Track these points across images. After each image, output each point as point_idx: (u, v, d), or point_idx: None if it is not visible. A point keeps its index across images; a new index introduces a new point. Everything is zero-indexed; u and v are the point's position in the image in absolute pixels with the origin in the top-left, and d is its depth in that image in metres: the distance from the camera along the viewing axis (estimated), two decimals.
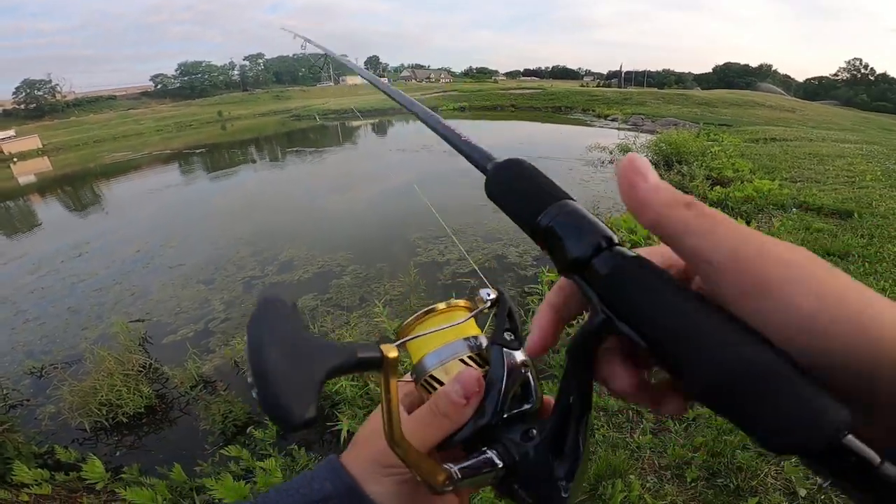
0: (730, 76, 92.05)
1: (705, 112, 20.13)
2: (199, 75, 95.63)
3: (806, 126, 15.58)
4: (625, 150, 10.62)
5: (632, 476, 2.06)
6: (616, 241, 0.26)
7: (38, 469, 2.54)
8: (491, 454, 0.31)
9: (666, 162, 8.59)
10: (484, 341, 0.37)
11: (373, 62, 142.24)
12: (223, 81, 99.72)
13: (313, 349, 0.24)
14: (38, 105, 74.18)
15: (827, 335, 0.19)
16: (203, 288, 5.44)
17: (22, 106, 74.27)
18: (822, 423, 0.18)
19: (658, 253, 0.28)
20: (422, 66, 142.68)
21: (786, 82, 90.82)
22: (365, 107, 35.64)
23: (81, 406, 3.27)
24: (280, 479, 2.30)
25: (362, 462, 0.34)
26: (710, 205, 5.13)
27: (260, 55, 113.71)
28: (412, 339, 0.36)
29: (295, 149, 18.97)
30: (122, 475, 2.58)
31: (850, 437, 0.18)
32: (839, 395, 0.18)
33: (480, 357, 0.35)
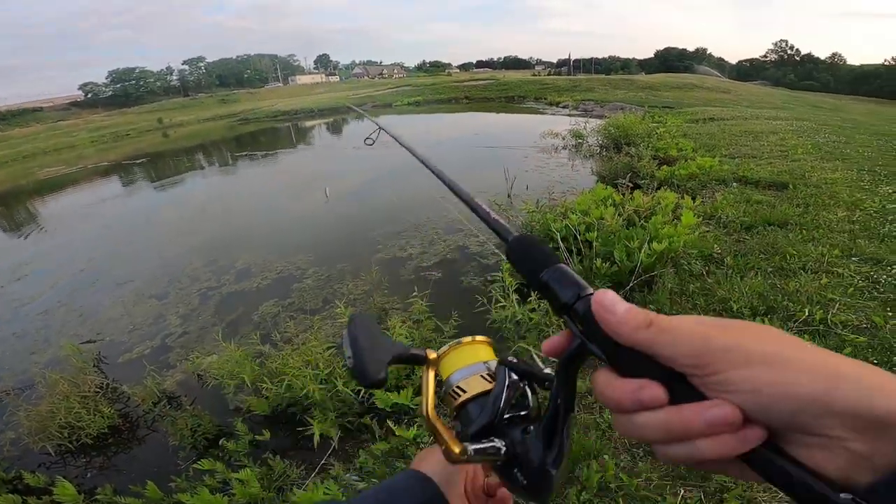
0: (670, 60, 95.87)
1: (649, 96, 20.95)
2: (133, 82, 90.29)
3: (740, 105, 16.49)
4: (577, 135, 10.89)
5: (605, 456, 2.09)
6: (590, 291, 0.37)
7: (9, 494, 2.49)
8: (497, 443, 0.40)
9: (615, 145, 8.90)
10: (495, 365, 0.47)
11: (322, 61, 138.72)
12: (161, 87, 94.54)
13: (385, 344, 0.41)
14: None
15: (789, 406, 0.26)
16: (156, 303, 5.19)
17: None
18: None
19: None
20: (374, 63, 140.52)
21: (720, 65, 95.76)
22: (317, 106, 34.80)
23: (41, 430, 3.17)
24: (258, 490, 2.27)
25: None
26: (659, 183, 5.35)
27: (201, 58, 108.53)
28: (446, 350, 0.48)
29: (245, 152, 18.28)
30: (97, 496, 2.53)
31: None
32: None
33: (491, 376, 0.45)
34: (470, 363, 0.46)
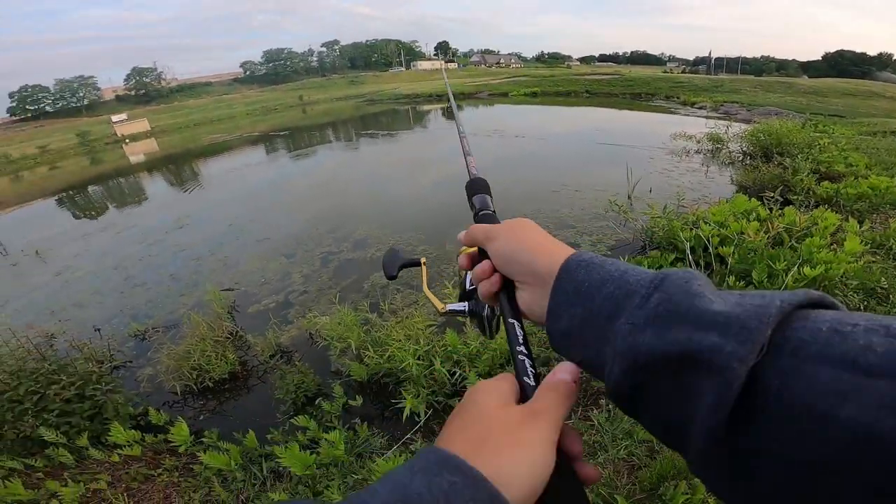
0: (843, 64, 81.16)
1: (813, 102, 18.02)
2: (282, 62, 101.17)
3: None
4: (715, 139, 9.77)
5: (697, 478, 1.93)
6: (491, 211, 0.61)
7: (132, 430, 2.64)
8: (462, 305, 0.60)
9: (764, 154, 7.81)
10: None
11: (443, 47, 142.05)
12: (303, 67, 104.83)
13: (399, 259, 0.71)
14: (146, 91, 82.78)
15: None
16: (285, 261, 5.81)
17: (132, 92, 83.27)
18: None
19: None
20: (491, 52, 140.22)
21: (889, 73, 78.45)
22: (436, 91, 35.87)
23: (176, 369, 3.44)
24: (342, 451, 2.33)
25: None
26: (818, 201, 4.62)
27: (336, 42, 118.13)
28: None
29: (368, 131, 19.58)
30: (203, 438, 2.66)
31: None
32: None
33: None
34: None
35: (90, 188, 15.48)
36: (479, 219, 0.57)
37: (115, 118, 41.05)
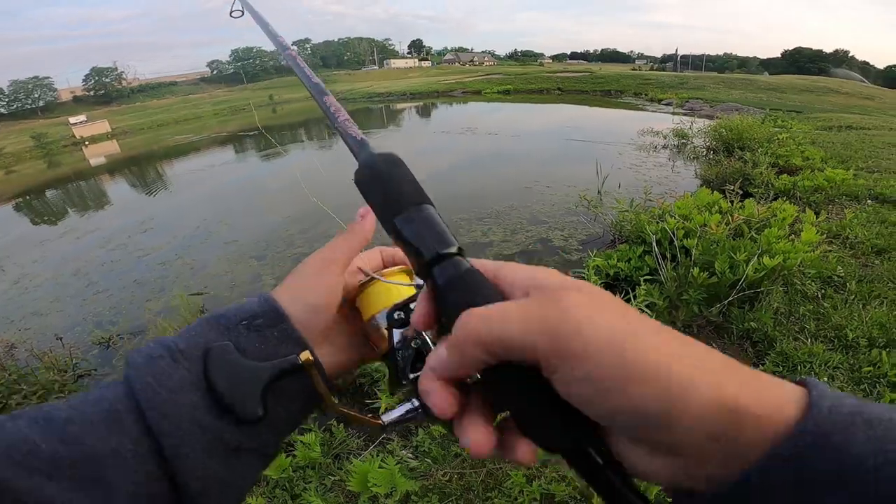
0: (801, 61, 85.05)
1: (772, 98, 18.77)
2: (251, 60, 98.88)
3: (886, 114, 14.18)
4: (680, 134, 10.06)
5: None
6: (455, 251, 0.30)
7: None
8: (411, 404, 0.36)
9: (726, 148, 8.08)
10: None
11: (416, 45, 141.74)
12: (273, 66, 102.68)
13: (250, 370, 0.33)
14: (105, 91, 79.55)
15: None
16: (255, 263, 5.69)
17: (91, 92, 79.88)
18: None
19: (490, 268, 0.31)
20: (465, 49, 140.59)
21: (864, 69, 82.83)
22: (409, 90, 35.75)
23: None
24: (319, 453, 2.36)
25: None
26: (776, 193, 4.83)
27: (307, 40, 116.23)
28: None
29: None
30: None
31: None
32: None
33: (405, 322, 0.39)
34: (394, 301, 0.41)
35: (48, 192, 14.82)
36: (441, 275, 0.30)
37: (72, 119, 39.36)
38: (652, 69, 63.51)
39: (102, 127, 36.85)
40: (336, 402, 0.38)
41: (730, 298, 3.20)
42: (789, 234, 3.72)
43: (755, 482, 0.21)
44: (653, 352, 0.22)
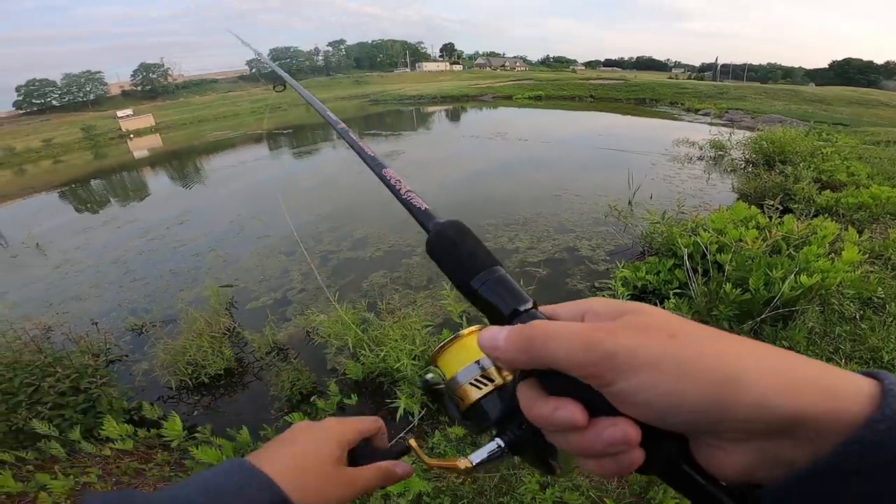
0: (849, 73, 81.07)
1: (818, 110, 17.97)
2: (289, 60, 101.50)
3: None
4: (718, 146, 9.75)
5: None
6: (531, 306, 0.33)
7: (125, 424, 2.62)
8: (499, 441, 0.37)
9: (766, 161, 7.79)
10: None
11: (448, 49, 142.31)
12: (309, 66, 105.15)
13: None
14: (152, 86, 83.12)
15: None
16: (284, 259, 5.82)
17: (139, 87, 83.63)
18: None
19: (571, 307, 0.32)
20: (496, 54, 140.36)
21: None
22: (440, 93, 35.94)
23: (171, 364, 3.45)
24: None
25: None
26: (818, 210, 4.63)
27: (342, 41, 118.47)
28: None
29: (372, 132, 19.61)
30: (196, 434, 2.66)
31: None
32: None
33: (486, 377, 0.40)
34: (473, 359, 0.41)
35: (93, 182, 15.53)
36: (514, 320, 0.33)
37: (119, 113, 41.22)
38: (689, 78, 61.78)
39: (147, 121, 38.46)
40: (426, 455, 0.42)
41: (763, 316, 3.09)
42: (829, 253, 3.58)
43: (831, 467, 0.21)
44: (708, 350, 0.24)
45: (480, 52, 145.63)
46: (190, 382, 3.44)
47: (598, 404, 0.27)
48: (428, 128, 21.87)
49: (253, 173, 12.67)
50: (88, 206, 11.84)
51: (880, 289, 3.40)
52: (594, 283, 4.45)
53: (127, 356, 4.02)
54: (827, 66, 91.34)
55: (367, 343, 3.27)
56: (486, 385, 0.40)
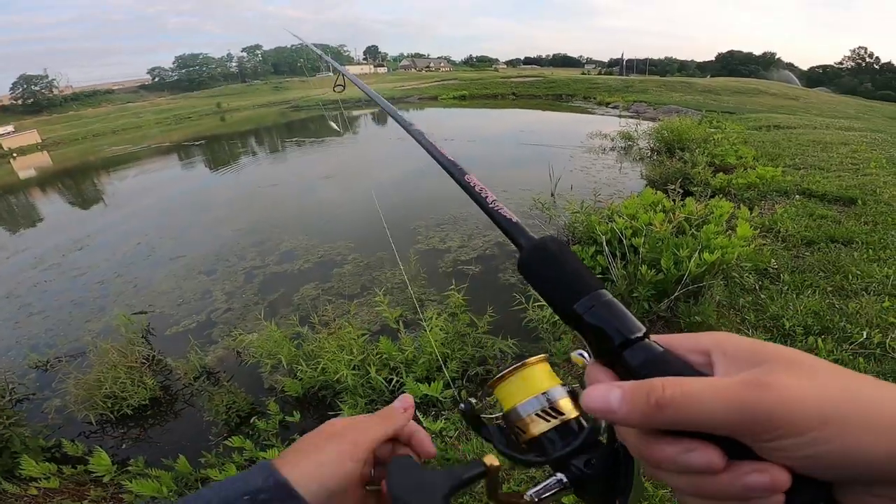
0: (733, 64, 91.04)
1: (708, 100, 19.94)
2: (197, 67, 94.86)
3: (810, 114, 15.41)
4: (626, 137, 10.51)
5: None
6: (643, 335, 0.30)
7: (46, 463, 2.53)
8: (560, 476, 0.35)
9: (668, 149, 8.52)
10: (559, 392, 0.40)
11: (371, 52, 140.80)
12: (221, 73, 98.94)
13: (432, 480, 0.36)
14: (35, 100, 73.77)
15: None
16: (205, 279, 5.44)
17: (19, 101, 73.88)
18: None
19: (691, 341, 0.30)
20: (421, 55, 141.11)
21: (789, 71, 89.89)
22: (364, 96, 35.42)
23: (87, 399, 3.26)
24: None
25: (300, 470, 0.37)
26: (713, 191, 5.09)
27: (258, 46, 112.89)
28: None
29: (294, 139, 18.87)
30: (129, 467, 2.57)
31: None
32: None
33: (554, 410, 0.38)
34: (531, 395, 0.40)
35: None
36: (635, 360, 0.30)
37: None
38: (600, 73, 66.19)
39: (32, 137, 34.17)
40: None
41: (676, 294, 3.34)
42: (726, 230, 3.93)
43: None
44: (869, 400, 0.23)
45: (405, 54, 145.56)
46: (112, 416, 3.26)
47: (734, 445, 0.25)
48: (354, 132, 21.45)
49: (160, 190, 11.69)
50: None
51: (773, 260, 3.80)
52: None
53: (34, 394, 3.70)
54: (714, 59, 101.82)
55: (302, 358, 3.18)
56: (552, 419, 0.38)
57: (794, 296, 3.23)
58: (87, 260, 6.70)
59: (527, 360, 0.40)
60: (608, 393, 0.27)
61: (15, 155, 29.50)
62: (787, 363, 0.25)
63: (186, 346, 3.82)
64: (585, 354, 0.38)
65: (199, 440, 2.99)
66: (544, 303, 2.66)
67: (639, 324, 0.31)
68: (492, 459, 0.38)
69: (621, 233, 3.92)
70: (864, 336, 2.67)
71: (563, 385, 0.40)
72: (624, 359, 0.30)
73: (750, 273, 3.62)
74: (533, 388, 0.39)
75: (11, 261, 7.29)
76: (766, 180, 5.78)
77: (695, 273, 3.35)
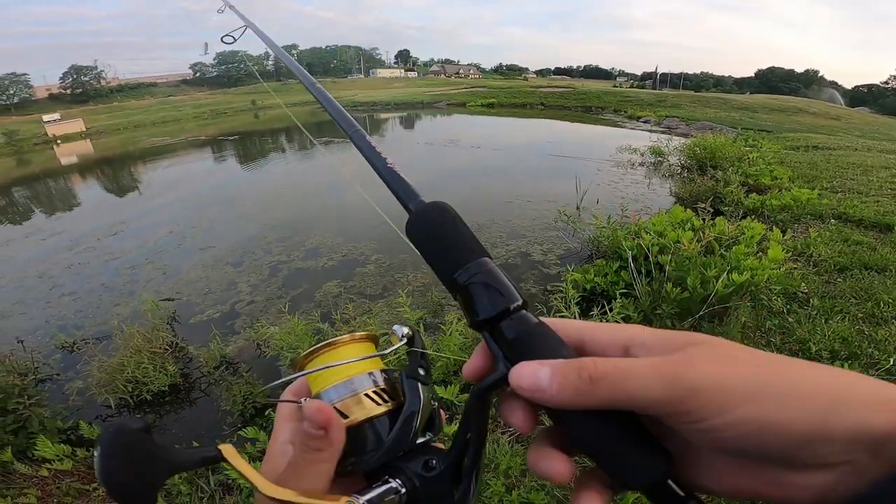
0: (773, 81, 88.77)
1: (745, 117, 19.45)
2: (236, 64, 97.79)
3: (851, 135, 14.87)
4: (657, 152, 10.34)
5: None
6: (521, 305, 0.30)
7: (61, 444, 2.56)
8: (394, 483, 0.31)
9: (700, 166, 8.34)
10: (385, 375, 0.37)
11: (403, 56, 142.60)
12: (258, 71, 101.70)
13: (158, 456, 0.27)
14: (83, 90, 77.45)
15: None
16: (231, 270, 5.58)
17: (68, 91, 77.66)
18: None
19: (572, 326, 0.31)
20: (451, 62, 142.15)
21: (832, 89, 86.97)
22: (394, 100, 35.88)
23: (108, 382, 3.31)
24: None
25: None
26: (745, 212, 4.98)
27: (294, 46, 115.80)
28: (309, 372, 0.36)
29: (324, 139, 19.24)
30: None
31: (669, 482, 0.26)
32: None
33: (385, 392, 0.35)
34: (352, 374, 0.35)
35: (14, 191, 14.22)
36: (511, 332, 0.30)
37: (46, 118, 38.02)
38: (632, 86, 65.29)
39: (76, 126, 35.74)
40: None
41: (700, 313, 3.27)
42: (757, 252, 3.84)
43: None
44: (793, 376, 0.24)
45: (436, 59, 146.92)
46: (131, 400, 3.30)
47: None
48: (382, 135, 21.72)
49: (194, 181, 12.08)
50: (9, 216, 10.84)
51: (803, 284, 3.71)
52: (547, 285, 4.57)
53: (58, 375, 3.79)
54: (753, 75, 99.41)
55: None
56: (383, 403, 0.34)
57: (823, 321, 3.17)
58: (121, 245, 6.92)
59: (338, 339, 0.37)
60: (537, 370, 0.26)
61: (59, 141, 30.95)
62: (710, 345, 0.26)
63: (209, 335, 3.90)
64: (405, 329, 0.38)
65: (214, 429, 3.03)
66: (567, 314, 2.65)
67: (517, 294, 0.30)
68: (229, 449, 0.30)
69: (648, 249, 3.86)
70: (892, 363, 2.62)
71: (386, 370, 0.37)
72: (501, 329, 0.29)
73: (779, 296, 3.53)
74: (339, 373, 0.35)
75: (48, 242, 7.60)
76: (801, 203, 5.62)
77: (722, 293, 3.28)
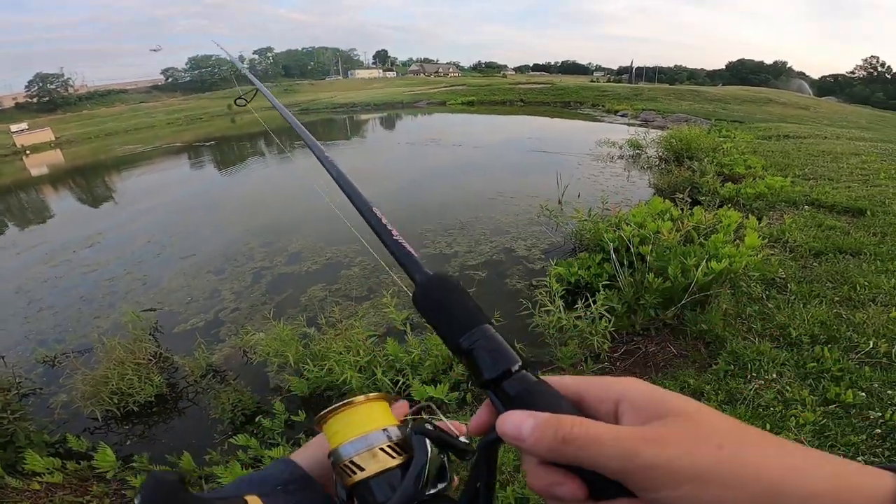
0: (744, 73, 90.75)
1: (718, 108, 19.86)
2: (210, 69, 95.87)
3: (820, 123, 15.32)
4: (635, 145, 10.51)
5: None
6: (518, 365, 0.33)
7: (50, 458, 2.56)
8: None
9: (676, 158, 8.50)
10: (398, 431, 0.41)
11: (381, 56, 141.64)
12: (233, 75, 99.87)
13: None
14: (50, 98, 74.89)
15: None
16: (213, 278, 5.49)
17: (34, 99, 75.02)
18: None
19: (571, 382, 0.33)
20: (430, 61, 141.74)
21: (800, 80, 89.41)
22: (374, 101, 35.65)
23: (93, 395, 3.28)
24: None
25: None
26: (722, 201, 5.08)
27: (269, 49, 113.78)
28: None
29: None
30: (133, 464, 2.58)
31: None
32: None
33: (399, 446, 0.39)
34: (367, 430, 0.40)
35: None
36: (512, 390, 0.33)
37: (13, 127, 36.61)
38: (609, 80, 66.04)
39: (45, 135, 34.53)
40: None
41: (682, 302, 3.34)
42: (734, 240, 3.93)
43: None
44: (746, 459, 0.25)
45: (414, 59, 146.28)
46: (117, 412, 3.28)
47: (601, 485, 0.27)
48: (363, 136, 21.59)
49: (171, 189, 11.82)
50: None
51: (781, 270, 3.80)
52: (532, 280, 4.61)
53: (41, 389, 3.74)
54: (724, 67, 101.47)
55: (309, 358, 3.20)
56: (397, 457, 0.38)
57: (802, 305, 3.23)
58: (98, 257, 6.76)
59: (354, 399, 0.42)
60: (523, 421, 0.29)
61: (28, 152, 29.91)
62: (686, 420, 0.27)
63: (194, 344, 3.86)
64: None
65: (204, 438, 3.01)
66: (552, 308, 2.68)
67: (516, 356, 0.34)
68: (255, 500, 0.36)
69: (629, 241, 3.93)
70: (871, 346, 2.67)
71: (402, 425, 0.41)
72: (503, 388, 0.33)
73: (757, 282, 3.62)
74: (357, 427, 0.39)
75: (22, 256, 7.39)
76: (774, 190, 5.76)
77: (702, 282, 3.35)
